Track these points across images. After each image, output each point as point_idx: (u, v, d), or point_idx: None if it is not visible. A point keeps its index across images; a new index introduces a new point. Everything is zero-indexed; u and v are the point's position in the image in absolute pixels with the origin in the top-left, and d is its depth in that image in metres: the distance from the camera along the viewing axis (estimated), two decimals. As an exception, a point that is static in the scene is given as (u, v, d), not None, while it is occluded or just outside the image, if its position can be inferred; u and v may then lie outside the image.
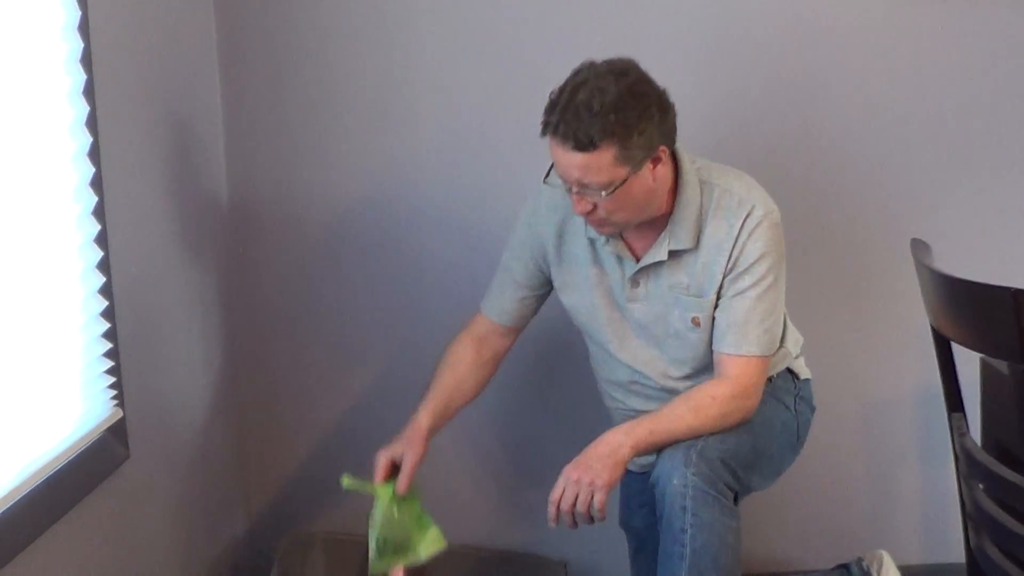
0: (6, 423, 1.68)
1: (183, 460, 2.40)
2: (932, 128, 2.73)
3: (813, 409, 2.43)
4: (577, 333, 2.40)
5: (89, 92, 1.90)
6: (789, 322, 2.40)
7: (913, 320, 2.50)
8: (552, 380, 2.53)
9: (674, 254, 2.19)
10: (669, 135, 2.11)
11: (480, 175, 2.69)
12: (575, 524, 2.13)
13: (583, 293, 2.31)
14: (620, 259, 2.24)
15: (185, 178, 2.44)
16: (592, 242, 2.25)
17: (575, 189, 2.08)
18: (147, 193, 2.21)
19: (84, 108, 1.89)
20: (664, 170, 2.12)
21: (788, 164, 2.73)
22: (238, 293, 2.74)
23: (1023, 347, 1.52)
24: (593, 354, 2.42)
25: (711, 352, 2.23)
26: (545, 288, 2.37)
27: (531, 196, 2.34)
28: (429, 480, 2.84)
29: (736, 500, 2.15)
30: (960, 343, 1.79)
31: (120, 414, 2.05)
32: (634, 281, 2.24)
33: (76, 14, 1.87)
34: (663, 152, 2.10)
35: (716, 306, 2.20)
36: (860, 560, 2.58)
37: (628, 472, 2.45)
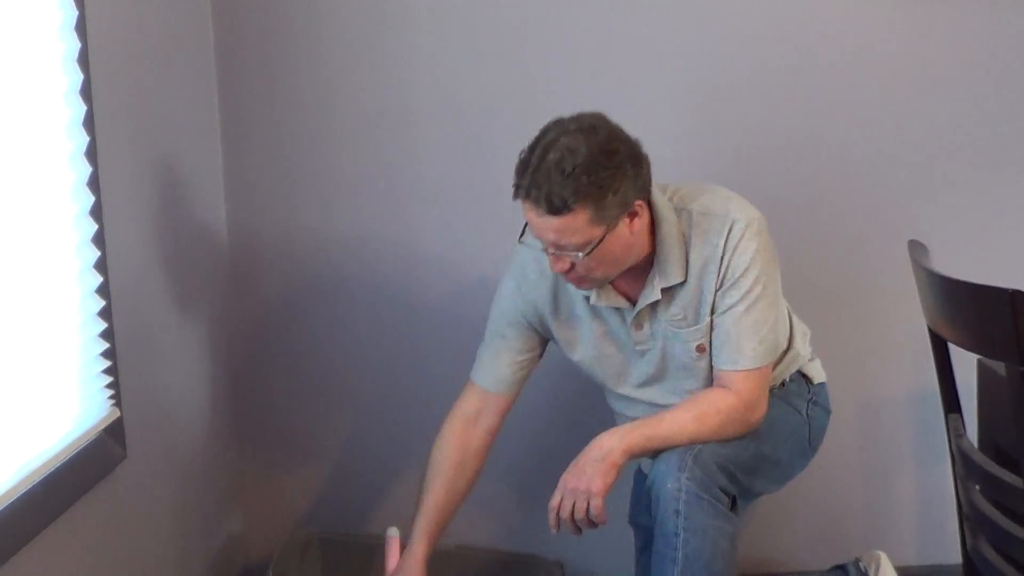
0: (3, 423, 1.68)
1: (180, 460, 2.40)
2: (929, 129, 2.74)
3: (829, 413, 2.43)
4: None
5: (86, 92, 1.90)
6: (794, 317, 2.39)
7: (910, 321, 2.50)
8: (550, 380, 2.53)
9: (666, 291, 2.17)
10: (644, 188, 2.08)
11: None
12: (578, 531, 2.14)
13: (590, 347, 2.29)
14: (618, 309, 2.23)
15: (182, 177, 2.44)
16: (587, 298, 2.23)
17: (551, 250, 2.06)
18: (145, 193, 2.21)
19: (81, 107, 1.89)
20: (641, 222, 2.09)
21: (784, 165, 2.74)
22: (236, 293, 2.74)
23: (1020, 348, 1.52)
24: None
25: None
26: (541, 347, 2.36)
27: (513, 261, 2.31)
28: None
29: (735, 504, 2.15)
30: (957, 344, 1.78)
31: (117, 414, 2.04)
32: (637, 324, 2.22)
33: (73, 13, 1.87)
34: (639, 206, 2.06)
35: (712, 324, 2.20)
36: (857, 561, 2.59)
37: (639, 471, 2.46)
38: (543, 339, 2.35)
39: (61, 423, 1.88)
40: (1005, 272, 2.52)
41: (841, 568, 2.60)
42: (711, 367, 2.21)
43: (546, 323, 2.31)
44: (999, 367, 2.06)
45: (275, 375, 2.80)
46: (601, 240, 2.02)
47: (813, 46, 2.70)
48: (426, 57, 2.68)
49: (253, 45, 2.66)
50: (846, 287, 2.80)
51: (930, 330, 1.92)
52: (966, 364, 2.08)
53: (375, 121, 2.70)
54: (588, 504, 2.10)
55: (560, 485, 2.13)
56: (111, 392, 2.04)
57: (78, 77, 1.88)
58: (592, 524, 2.12)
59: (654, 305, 2.19)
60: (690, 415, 2.15)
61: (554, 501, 2.13)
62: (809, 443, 2.37)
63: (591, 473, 2.10)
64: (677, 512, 2.05)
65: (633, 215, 2.06)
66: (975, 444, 1.89)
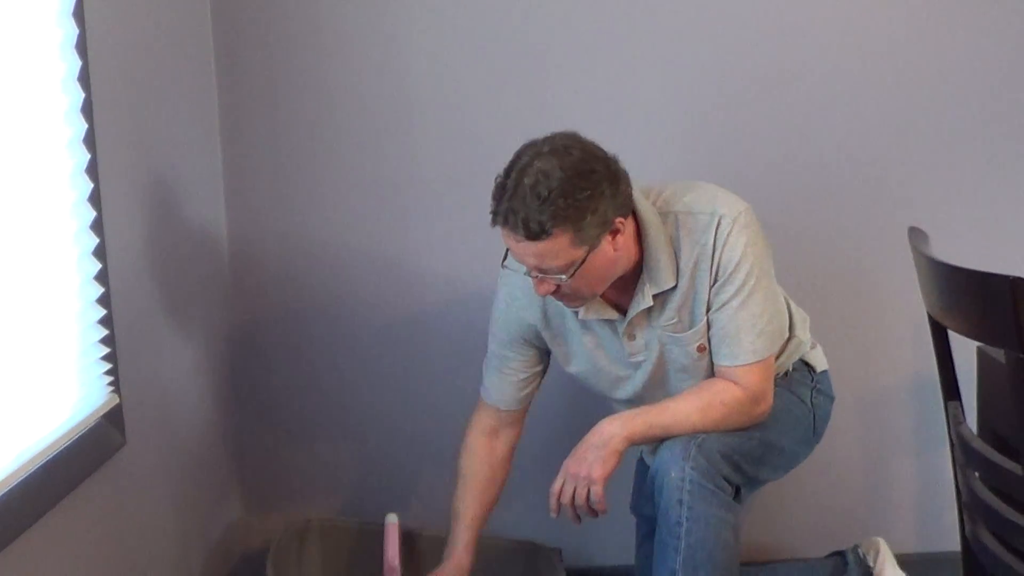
0: (3, 409, 1.68)
1: (179, 446, 2.40)
2: (930, 116, 2.73)
3: (832, 400, 2.43)
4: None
5: (84, 79, 1.90)
6: (792, 304, 2.38)
7: (909, 309, 2.50)
8: (551, 376, 2.53)
9: (658, 297, 2.16)
10: (624, 205, 2.05)
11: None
12: (578, 519, 2.14)
13: (584, 360, 2.29)
14: (608, 321, 2.22)
15: (182, 163, 2.43)
16: (576, 314, 2.22)
17: (534, 273, 2.05)
18: (144, 180, 2.21)
19: (80, 94, 1.89)
20: (624, 237, 2.07)
21: (785, 153, 2.73)
22: (236, 280, 2.74)
23: (1020, 335, 1.52)
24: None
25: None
26: (544, 362, 2.38)
27: (500, 285, 2.31)
28: (426, 469, 2.86)
29: (739, 493, 2.15)
30: (957, 331, 1.78)
31: (116, 400, 2.04)
32: (629, 335, 2.21)
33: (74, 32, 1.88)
34: (620, 223, 2.04)
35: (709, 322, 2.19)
36: (856, 548, 2.59)
37: (641, 460, 2.46)
38: (545, 353, 2.35)
39: (60, 410, 1.88)
40: (1005, 259, 2.53)
41: (840, 554, 2.60)
42: (711, 364, 2.21)
43: (543, 337, 2.31)
44: (999, 354, 2.06)
45: (274, 362, 2.80)
46: (583, 261, 2.01)
47: (815, 33, 2.70)
48: (427, 63, 2.68)
49: (253, 50, 2.67)
50: (846, 275, 2.80)
51: (930, 317, 1.92)
52: (965, 352, 2.08)
53: (375, 127, 2.70)
54: (588, 491, 2.10)
55: (561, 470, 2.13)
56: (110, 379, 2.04)
57: (77, 64, 1.88)
58: (592, 512, 2.12)
59: (647, 313, 2.18)
60: (694, 405, 2.14)
61: (555, 486, 2.14)
62: (814, 431, 2.37)
63: (592, 460, 2.10)
64: (680, 501, 2.05)
65: (615, 232, 2.04)
66: (974, 431, 1.89)
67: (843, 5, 2.69)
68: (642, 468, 2.48)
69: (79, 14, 1.88)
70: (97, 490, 1.96)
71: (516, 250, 2.02)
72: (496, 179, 2.00)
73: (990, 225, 2.76)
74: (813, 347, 2.42)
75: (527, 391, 2.37)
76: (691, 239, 2.13)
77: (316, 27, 2.65)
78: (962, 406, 1.91)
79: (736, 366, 2.16)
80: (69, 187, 1.88)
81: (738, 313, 2.14)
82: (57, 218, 1.85)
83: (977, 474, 1.77)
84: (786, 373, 2.35)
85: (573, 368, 2.32)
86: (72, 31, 1.87)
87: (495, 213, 1.99)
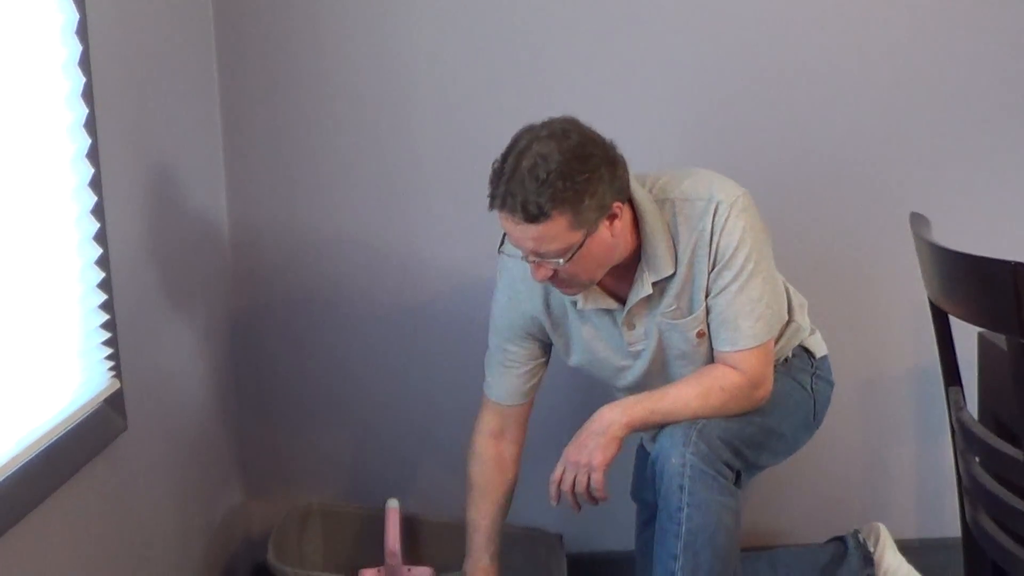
0: (4, 394, 1.68)
1: (180, 431, 2.40)
2: (931, 101, 2.73)
3: (832, 385, 2.43)
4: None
5: (85, 62, 1.90)
6: (791, 289, 2.38)
7: (910, 295, 2.50)
8: (553, 362, 2.53)
9: (657, 284, 2.16)
10: (622, 190, 2.05)
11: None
12: (578, 506, 2.14)
13: (583, 352, 2.29)
14: (607, 311, 2.21)
15: (183, 149, 2.43)
16: (575, 304, 2.22)
17: (532, 258, 2.04)
18: (144, 164, 2.21)
19: (80, 79, 1.89)
20: (621, 223, 2.07)
21: (786, 138, 2.73)
22: (237, 266, 2.74)
23: (1021, 321, 1.52)
24: None
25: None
26: (546, 354, 2.37)
27: (500, 274, 2.31)
28: (426, 454, 2.86)
29: (739, 478, 2.15)
30: (958, 317, 1.78)
31: (117, 385, 2.04)
32: (629, 324, 2.21)
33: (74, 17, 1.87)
34: (618, 208, 2.04)
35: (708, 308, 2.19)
36: (856, 533, 2.59)
37: (641, 447, 2.46)
38: (546, 346, 2.35)
39: (62, 395, 1.88)
40: (1007, 244, 2.53)
41: (840, 540, 2.61)
42: (711, 349, 2.21)
43: (545, 329, 2.30)
44: (1000, 340, 2.06)
45: (275, 348, 2.80)
46: (581, 245, 2.01)
47: (815, 24, 2.69)
48: (427, 55, 2.68)
49: (254, 38, 2.66)
50: (847, 261, 2.80)
51: (931, 303, 1.92)
52: (966, 337, 2.08)
53: (376, 118, 2.70)
54: (589, 478, 2.10)
55: (562, 458, 2.14)
56: (111, 364, 2.04)
57: (78, 49, 1.88)
58: (592, 499, 2.12)
59: (647, 301, 2.18)
60: (694, 391, 2.14)
61: (555, 474, 2.14)
62: (814, 417, 2.37)
63: (592, 447, 2.10)
64: (681, 487, 2.06)
65: (612, 217, 2.04)
66: (975, 417, 1.89)
67: (844, -4, 2.69)
68: (642, 454, 2.48)
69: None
70: (98, 474, 1.96)
71: (514, 233, 2.01)
72: (493, 164, 2.00)
73: (992, 210, 2.76)
74: (812, 333, 2.42)
75: (531, 384, 2.37)
76: (688, 225, 2.13)
77: (317, 17, 2.65)
78: (963, 392, 1.91)
79: (735, 351, 2.16)
80: (70, 172, 1.88)
81: (737, 298, 2.14)
82: (58, 203, 1.85)
83: (978, 459, 1.77)
84: (786, 359, 2.35)
85: (574, 360, 2.32)
86: (73, 16, 1.86)
87: (493, 196, 1.99)
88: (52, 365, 1.84)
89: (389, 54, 2.67)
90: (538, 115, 2.04)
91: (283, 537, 2.57)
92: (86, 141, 1.90)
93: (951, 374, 1.96)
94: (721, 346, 2.18)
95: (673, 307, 2.17)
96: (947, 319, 1.92)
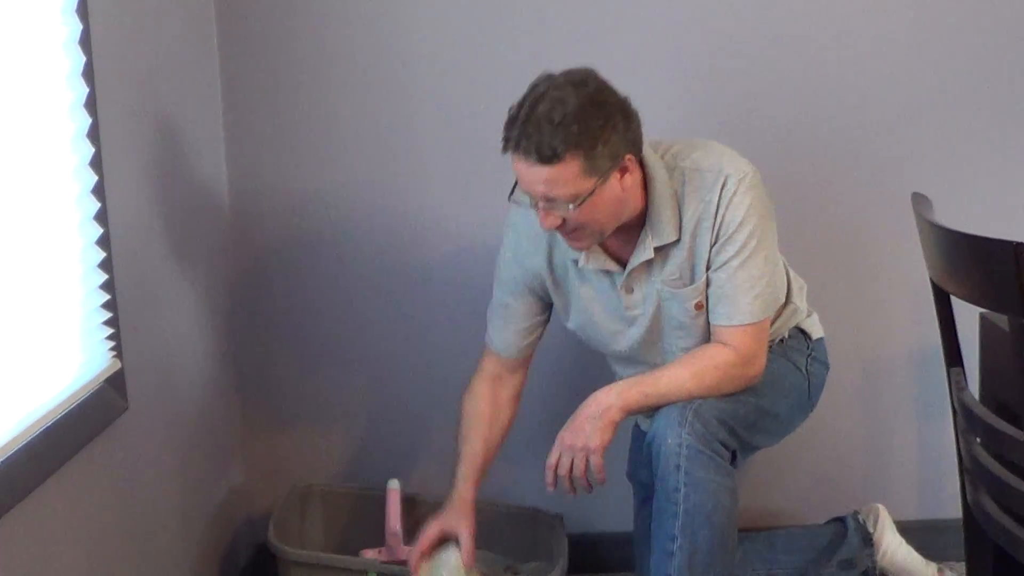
0: (4, 374, 1.68)
1: (182, 411, 2.40)
2: (934, 81, 2.72)
3: (827, 367, 2.43)
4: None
5: (86, 42, 1.89)
6: (791, 271, 2.39)
7: (912, 275, 2.50)
8: (552, 340, 2.53)
9: (660, 250, 2.16)
10: (635, 143, 2.08)
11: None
12: (573, 490, 2.15)
13: (580, 313, 2.30)
14: (607, 272, 2.22)
15: (183, 128, 2.43)
16: (576, 264, 2.23)
17: (541, 204, 2.05)
18: (145, 143, 2.20)
19: (81, 58, 1.88)
20: (632, 179, 2.09)
21: (786, 119, 2.72)
22: (237, 243, 2.73)
23: (1024, 301, 1.52)
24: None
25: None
26: (547, 312, 2.38)
27: (507, 225, 2.32)
28: (427, 434, 2.86)
29: (735, 458, 2.16)
30: (960, 297, 1.78)
31: (118, 365, 2.04)
32: (627, 288, 2.22)
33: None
34: (630, 161, 2.06)
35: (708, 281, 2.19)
36: (856, 514, 2.60)
37: (636, 427, 2.46)
38: (547, 304, 2.36)
39: (62, 374, 1.88)
40: (1009, 225, 2.52)
41: (840, 521, 2.61)
42: (708, 323, 2.21)
43: (546, 286, 2.31)
44: (1002, 321, 2.06)
45: (276, 327, 2.80)
46: (591, 193, 2.02)
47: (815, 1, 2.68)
48: (427, 13, 2.66)
49: (255, 34, 2.65)
50: (848, 240, 2.80)
51: (933, 283, 1.92)
52: (967, 318, 2.07)
53: (376, 75, 2.68)
54: (587, 462, 2.11)
55: (557, 443, 2.14)
56: (112, 343, 2.04)
57: (78, 28, 1.87)
58: (589, 484, 2.13)
59: (648, 266, 2.18)
60: (688, 371, 2.15)
61: (551, 459, 2.14)
62: (808, 398, 2.38)
63: (589, 431, 2.11)
64: (678, 467, 2.06)
65: (624, 170, 2.06)
66: (976, 398, 1.89)
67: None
68: (638, 434, 2.49)
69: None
70: (99, 455, 1.96)
71: (526, 176, 2.02)
72: (510, 109, 2.02)
73: (995, 190, 2.76)
74: (809, 315, 2.43)
75: (529, 340, 2.38)
76: (696, 196, 2.14)
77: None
78: (964, 372, 1.91)
79: (731, 326, 2.17)
80: (71, 152, 1.88)
81: (737, 273, 2.15)
82: (58, 183, 1.84)
83: (979, 440, 1.77)
84: (782, 340, 2.35)
85: (571, 322, 2.33)
86: (73, -6, 1.86)
87: (507, 139, 2.01)
88: (53, 345, 1.84)
89: (389, 15, 2.66)
90: (541, 67, 2.06)
91: (284, 517, 2.58)
92: (84, 89, 1.89)
93: (952, 355, 1.96)
94: (717, 320, 2.19)
95: (675, 276, 2.18)
96: (949, 299, 1.92)
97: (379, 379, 2.82)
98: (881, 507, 2.62)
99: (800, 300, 2.39)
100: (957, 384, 1.86)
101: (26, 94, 1.73)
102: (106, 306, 2.01)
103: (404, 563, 2.45)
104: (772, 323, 2.27)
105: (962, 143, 2.74)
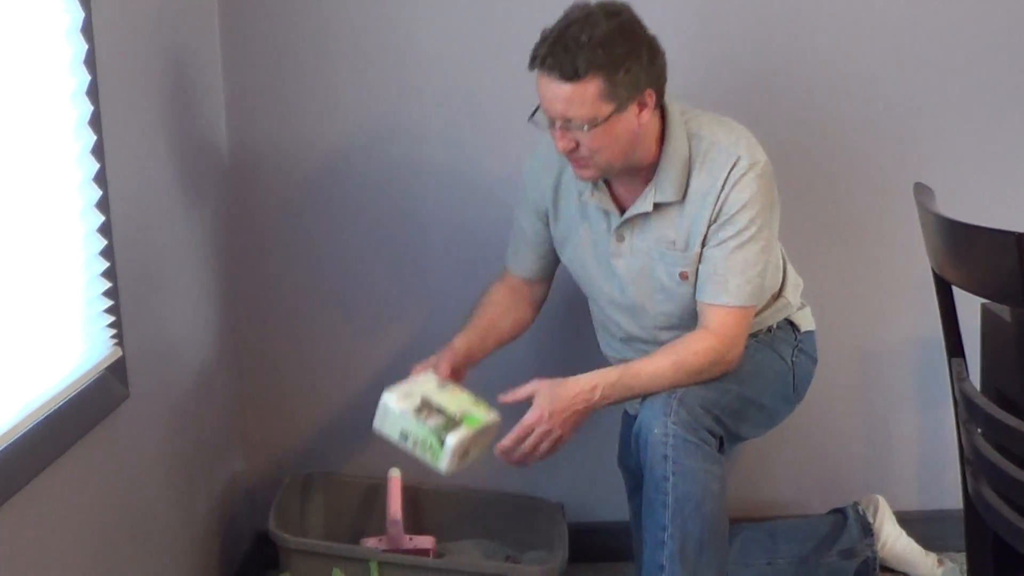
0: (6, 362, 1.68)
1: (182, 399, 2.40)
2: (937, 70, 2.72)
3: (815, 361, 2.43)
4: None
5: (88, 30, 1.89)
6: (789, 267, 2.39)
7: (913, 265, 2.50)
8: (552, 326, 2.53)
9: (659, 207, 2.18)
10: (657, 80, 2.11)
11: (484, 123, 2.67)
12: (520, 464, 2.16)
13: (574, 248, 2.32)
14: (606, 213, 2.24)
15: (185, 116, 2.42)
16: (580, 196, 2.25)
17: (558, 124, 2.08)
18: (146, 132, 2.20)
19: (83, 46, 1.88)
20: (650, 116, 2.12)
21: (788, 108, 2.72)
22: (238, 233, 2.73)
23: (1026, 292, 1.52)
24: (591, 307, 2.43)
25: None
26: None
27: (535, 153, 2.35)
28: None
29: (722, 446, 2.16)
30: (962, 288, 1.78)
31: (119, 353, 2.04)
32: (618, 235, 2.23)
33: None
34: (649, 96, 2.09)
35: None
36: (856, 505, 2.61)
37: (625, 413, 2.47)
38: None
39: (63, 362, 1.88)
40: (1012, 215, 2.52)
41: (840, 511, 2.62)
42: (691, 296, 2.23)
43: (549, 215, 2.35)
44: (1003, 311, 2.06)
45: (278, 315, 2.80)
46: (608, 118, 2.05)
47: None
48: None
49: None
50: (850, 231, 2.79)
51: (935, 273, 1.92)
52: (969, 308, 2.07)
53: (376, 29, 2.66)
54: (550, 447, 2.13)
55: (540, 415, 2.12)
56: (113, 331, 2.04)
57: (79, 15, 1.86)
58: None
59: (645, 221, 2.20)
60: (669, 361, 2.17)
61: (530, 421, 2.12)
62: (793, 389, 2.38)
63: (570, 421, 2.14)
64: (665, 456, 2.07)
65: (643, 105, 2.09)
66: (977, 388, 1.89)
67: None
68: (627, 420, 2.48)
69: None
70: (100, 442, 1.96)
71: (547, 93, 2.06)
72: (542, 32, 2.07)
73: (997, 180, 2.75)
74: (801, 308, 2.43)
75: (543, 263, 2.42)
76: (706, 169, 2.16)
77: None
78: (965, 363, 1.91)
79: (716, 304, 2.19)
80: (72, 139, 1.87)
81: (733, 254, 2.16)
82: (60, 170, 1.84)
83: (980, 431, 1.77)
84: (769, 329, 2.36)
85: (565, 255, 2.36)
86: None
87: (535, 56, 2.06)
88: (54, 333, 1.84)
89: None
90: (535, 37, 2.08)
91: (285, 506, 2.58)
92: (86, 77, 1.89)
93: (954, 345, 1.96)
94: (703, 297, 2.20)
95: (670, 239, 2.20)
96: (950, 290, 1.92)
97: (383, 367, 2.82)
98: (880, 498, 2.63)
99: (793, 296, 2.39)
100: (958, 374, 1.86)
101: (28, 82, 1.72)
102: (107, 294, 2.00)
103: (405, 552, 2.45)
104: (759, 313, 2.28)
105: (965, 133, 2.74)
